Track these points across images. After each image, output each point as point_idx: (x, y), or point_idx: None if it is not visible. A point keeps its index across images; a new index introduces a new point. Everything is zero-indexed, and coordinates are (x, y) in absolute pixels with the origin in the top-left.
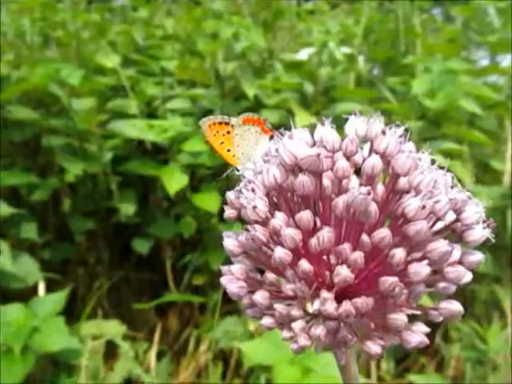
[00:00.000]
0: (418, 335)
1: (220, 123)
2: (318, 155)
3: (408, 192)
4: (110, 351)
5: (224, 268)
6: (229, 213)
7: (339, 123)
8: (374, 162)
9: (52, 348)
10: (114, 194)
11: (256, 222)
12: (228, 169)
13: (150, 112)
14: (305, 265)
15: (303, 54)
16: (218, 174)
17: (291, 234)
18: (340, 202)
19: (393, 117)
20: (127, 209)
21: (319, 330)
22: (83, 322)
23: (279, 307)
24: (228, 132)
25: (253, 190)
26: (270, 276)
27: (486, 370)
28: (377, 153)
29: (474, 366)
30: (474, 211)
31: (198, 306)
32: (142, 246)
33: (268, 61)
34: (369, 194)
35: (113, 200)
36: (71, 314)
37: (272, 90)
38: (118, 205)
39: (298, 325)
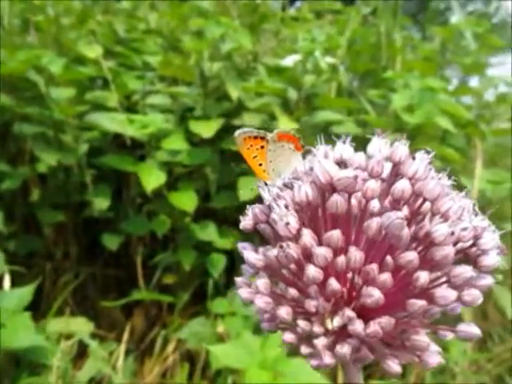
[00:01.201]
0: (436, 356)
1: (255, 137)
2: (356, 177)
3: (424, 216)
4: (76, 349)
5: (239, 280)
6: (245, 223)
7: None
8: (404, 186)
9: (17, 345)
10: (89, 187)
11: (286, 238)
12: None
13: (129, 106)
14: (334, 284)
15: (289, 61)
16: (195, 173)
17: (323, 252)
18: (374, 223)
19: (370, 128)
20: (101, 203)
21: (345, 349)
22: (50, 319)
23: (302, 323)
24: (262, 147)
25: (286, 207)
26: (293, 291)
27: (445, 378)
28: (406, 177)
29: (434, 374)
30: (491, 238)
31: (165, 306)
32: (111, 242)
33: (252, 63)
34: (405, 218)
35: (86, 193)
36: (35, 309)
37: (254, 93)
38: (92, 199)
39: (320, 342)
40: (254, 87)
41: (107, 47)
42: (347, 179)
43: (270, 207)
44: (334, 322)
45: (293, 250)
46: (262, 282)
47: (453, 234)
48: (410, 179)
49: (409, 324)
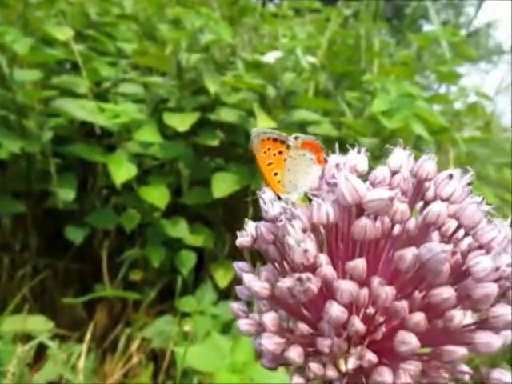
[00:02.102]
0: None
1: (275, 140)
2: (392, 199)
3: (457, 245)
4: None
5: (235, 307)
6: (243, 240)
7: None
8: (440, 210)
9: None
10: (53, 177)
11: (302, 265)
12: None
13: (99, 93)
14: (358, 324)
15: (270, 57)
16: (166, 167)
17: (349, 288)
18: (409, 255)
19: (346, 130)
20: (66, 194)
21: None
22: (6, 317)
23: (314, 367)
24: (280, 152)
25: (304, 231)
26: (303, 327)
27: None
28: (440, 198)
29: None
30: None
31: (131, 303)
32: (75, 235)
33: (230, 57)
34: (451, 253)
35: (49, 183)
36: None
37: (231, 88)
38: (56, 189)
39: None
40: (233, 82)
41: (77, 29)
42: (381, 201)
43: (276, 225)
44: (349, 364)
45: (314, 284)
46: (270, 318)
47: (497, 269)
48: (445, 201)
49: (430, 365)
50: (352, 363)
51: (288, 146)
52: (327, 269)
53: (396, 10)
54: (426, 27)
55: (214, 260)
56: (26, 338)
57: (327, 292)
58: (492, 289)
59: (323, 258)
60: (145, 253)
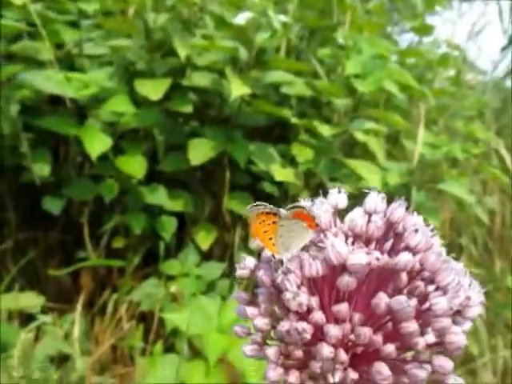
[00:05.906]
0: None
1: (268, 213)
2: (369, 264)
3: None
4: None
5: (237, 329)
6: (242, 272)
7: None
8: (409, 260)
9: None
10: (26, 151)
11: (296, 313)
12: None
13: (63, 58)
14: (343, 357)
15: (240, 19)
16: (141, 132)
17: (336, 332)
18: (382, 303)
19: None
20: (41, 169)
21: None
22: None
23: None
24: (274, 222)
25: (299, 287)
26: (299, 353)
27: None
28: (409, 247)
29: None
30: (477, 296)
31: (115, 268)
32: (53, 205)
33: (198, 14)
34: (415, 308)
35: (22, 157)
36: None
37: (202, 47)
38: (31, 165)
39: None
40: (204, 45)
41: None
42: (360, 266)
43: (272, 268)
44: (336, 377)
45: (308, 332)
46: (273, 352)
47: (451, 309)
48: (412, 249)
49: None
50: (338, 376)
51: (280, 217)
52: (317, 315)
53: None
54: None
55: (195, 223)
56: (19, 314)
57: (317, 332)
58: (447, 323)
59: (314, 304)
60: (125, 220)
